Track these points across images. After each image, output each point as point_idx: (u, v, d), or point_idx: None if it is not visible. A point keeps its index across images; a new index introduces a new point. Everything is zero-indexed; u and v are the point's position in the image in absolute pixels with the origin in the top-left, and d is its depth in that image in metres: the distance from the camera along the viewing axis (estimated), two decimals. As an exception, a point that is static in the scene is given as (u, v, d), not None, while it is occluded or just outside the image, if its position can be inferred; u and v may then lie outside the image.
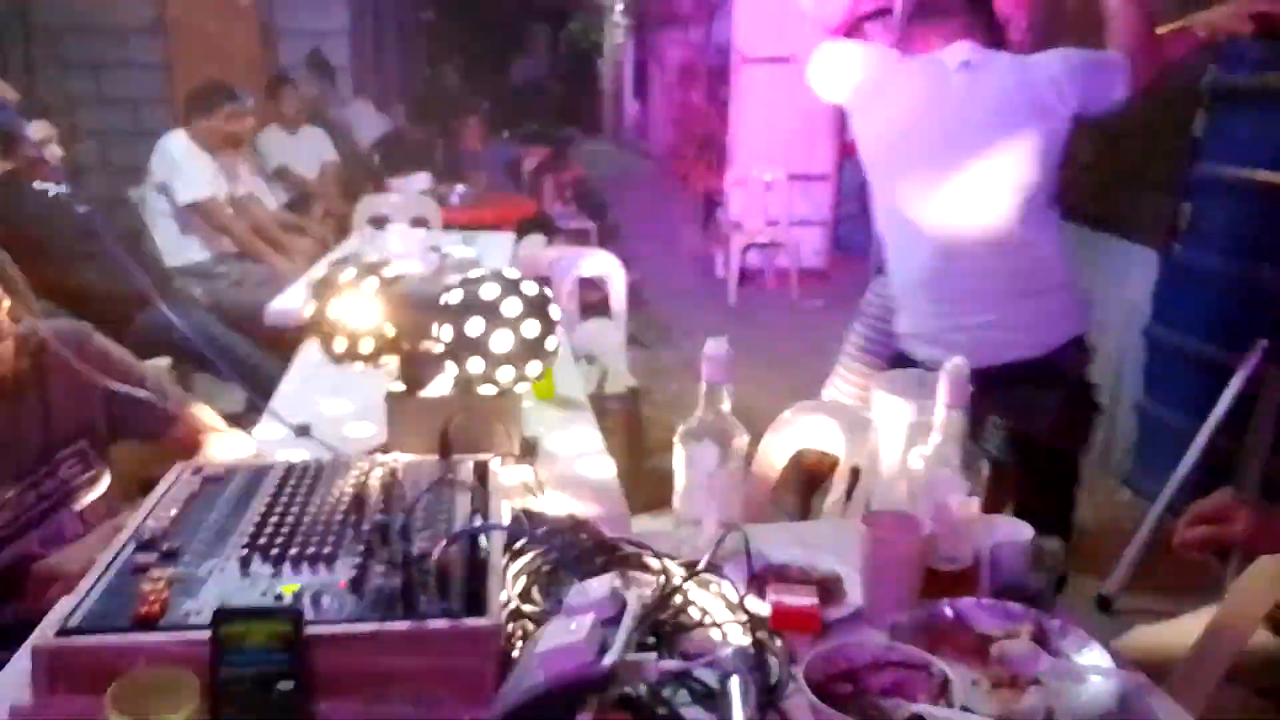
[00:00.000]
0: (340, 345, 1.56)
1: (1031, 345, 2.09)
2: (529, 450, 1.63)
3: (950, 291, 2.05)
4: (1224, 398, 2.58)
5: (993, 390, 2.08)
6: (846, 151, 6.67)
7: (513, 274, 1.54)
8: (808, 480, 2.29)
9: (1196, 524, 1.18)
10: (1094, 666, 1.04)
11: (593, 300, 3.68)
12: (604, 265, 3.50)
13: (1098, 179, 3.45)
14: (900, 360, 2.18)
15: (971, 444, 1.19)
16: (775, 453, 1.88)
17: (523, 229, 5.10)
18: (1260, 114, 2.85)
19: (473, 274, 1.55)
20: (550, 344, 1.52)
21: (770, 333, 5.45)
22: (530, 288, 1.51)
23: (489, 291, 1.49)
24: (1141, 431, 3.43)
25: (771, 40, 6.34)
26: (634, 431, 3.24)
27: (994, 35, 2.11)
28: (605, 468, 1.69)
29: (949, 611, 1.12)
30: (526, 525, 1.18)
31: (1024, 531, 1.20)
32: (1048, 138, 2.03)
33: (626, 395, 3.18)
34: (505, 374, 1.51)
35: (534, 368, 1.52)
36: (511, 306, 1.48)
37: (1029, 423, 2.17)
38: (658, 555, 1.19)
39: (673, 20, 10.97)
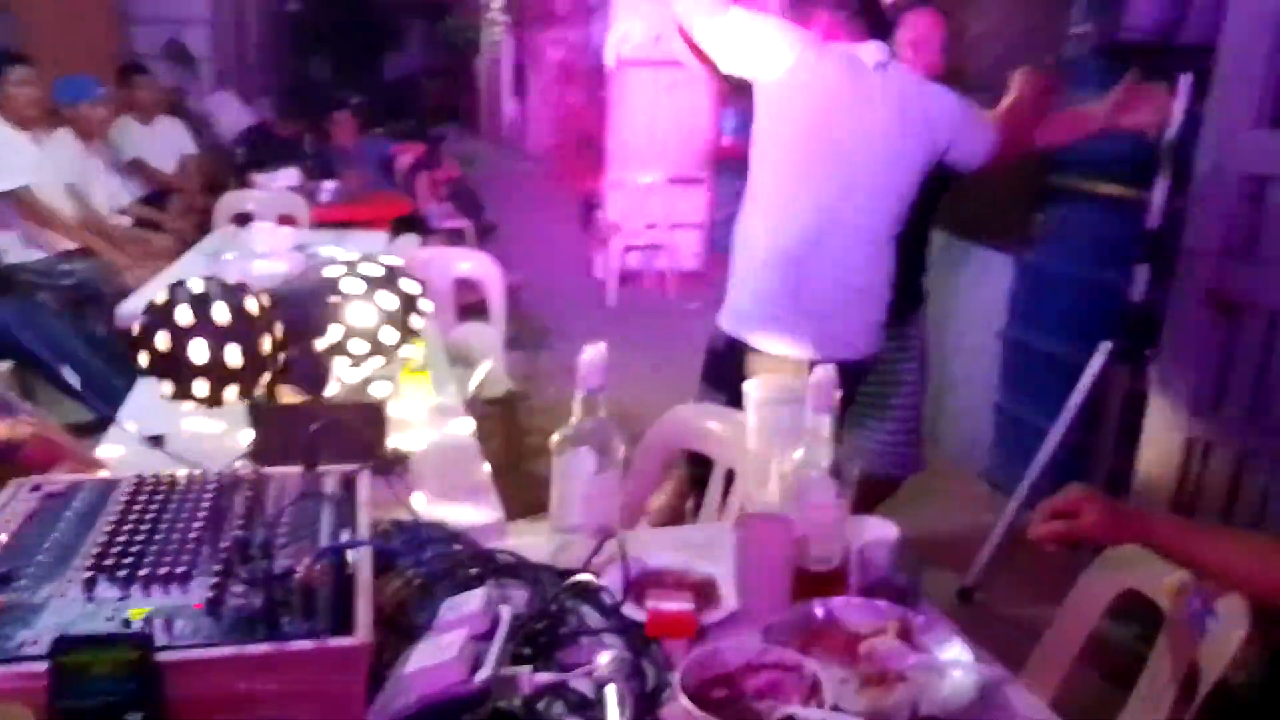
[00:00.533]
0: (203, 383, 1.42)
1: (860, 348, 2.15)
2: (401, 458, 1.58)
3: (810, 280, 2.06)
4: (1074, 396, 2.73)
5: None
6: (723, 155, 6.78)
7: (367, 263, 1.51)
8: (682, 483, 2.30)
9: (1048, 518, 1.23)
10: (955, 661, 1.08)
11: (469, 302, 3.61)
12: (481, 267, 3.45)
13: (960, 189, 3.61)
14: (727, 343, 2.15)
15: (839, 447, 1.22)
16: (654, 455, 1.89)
17: (396, 228, 4.99)
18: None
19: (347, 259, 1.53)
20: (414, 322, 1.50)
21: (649, 334, 5.49)
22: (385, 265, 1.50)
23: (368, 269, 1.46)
24: (999, 428, 3.60)
25: (650, 43, 6.39)
26: (512, 436, 3.20)
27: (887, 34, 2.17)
28: (481, 475, 1.66)
29: (820, 611, 1.14)
30: (397, 538, 1.15)
31: (890, 531, 1.24)
32: (926, 159, 2.10)
33: (504, 399, 3.14)
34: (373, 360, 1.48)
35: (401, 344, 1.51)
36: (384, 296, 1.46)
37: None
38: (533, 565, 1.18)
39: (551, 20, 10.92)
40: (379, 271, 1.65)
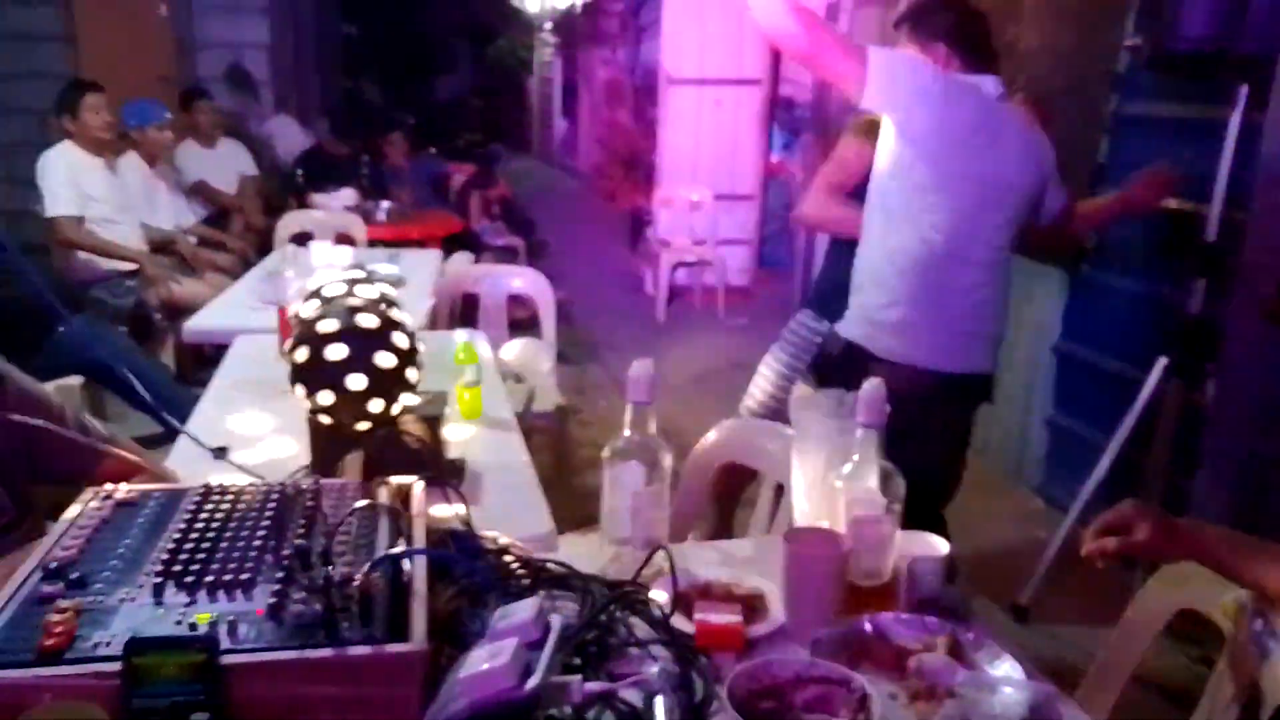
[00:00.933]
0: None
1: (985, 361, 2.20)
2: (455, 471, 1.62)
3: (942, 294, 2.11)
4: (1130, 412, 2.68)
5: (948, 397, 2.14)
6: (771, 172, 6.79)
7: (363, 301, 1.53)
8: (726, 493, 2.31)
9: (1102, 534, 1.22)
10: (1006, 678, 1.08)
11: (520, 318, 3.67)
12: (532, 283, 3.49)
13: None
14: (845, 350, 2.18)
15: (887, 461, 1.22)
16: (703, 469, 1.90)
17: (449, 246, 5.07)
18: (1157, 140, 2.99)
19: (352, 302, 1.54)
20: (410, 375, 1.51)
21: (698, 349, 5.51)
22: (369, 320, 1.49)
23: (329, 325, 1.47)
24: (1053, 443, 3.55)
25: (698, 62, 6.44)
26: (562, 449, 3.23)
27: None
28: (532, 488, 1.69)
29: (869, 626, 1.14)
30: (451, 548, 1.17)
31: (939, 547, 1.24)
32: (1035, 193, 2.17)
33: (554, 414, 3.17)
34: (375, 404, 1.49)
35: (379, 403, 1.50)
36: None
37: (950, 435, 2.26)
38: (583, 576, 1.19)
39: (601, 40, 11.05)
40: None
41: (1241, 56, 2.29)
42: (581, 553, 1.36)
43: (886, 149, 2.10)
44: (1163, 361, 2.62)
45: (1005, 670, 1.09)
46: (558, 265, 6.76)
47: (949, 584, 1.22)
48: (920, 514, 2.24)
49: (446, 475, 1.53)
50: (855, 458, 1.23)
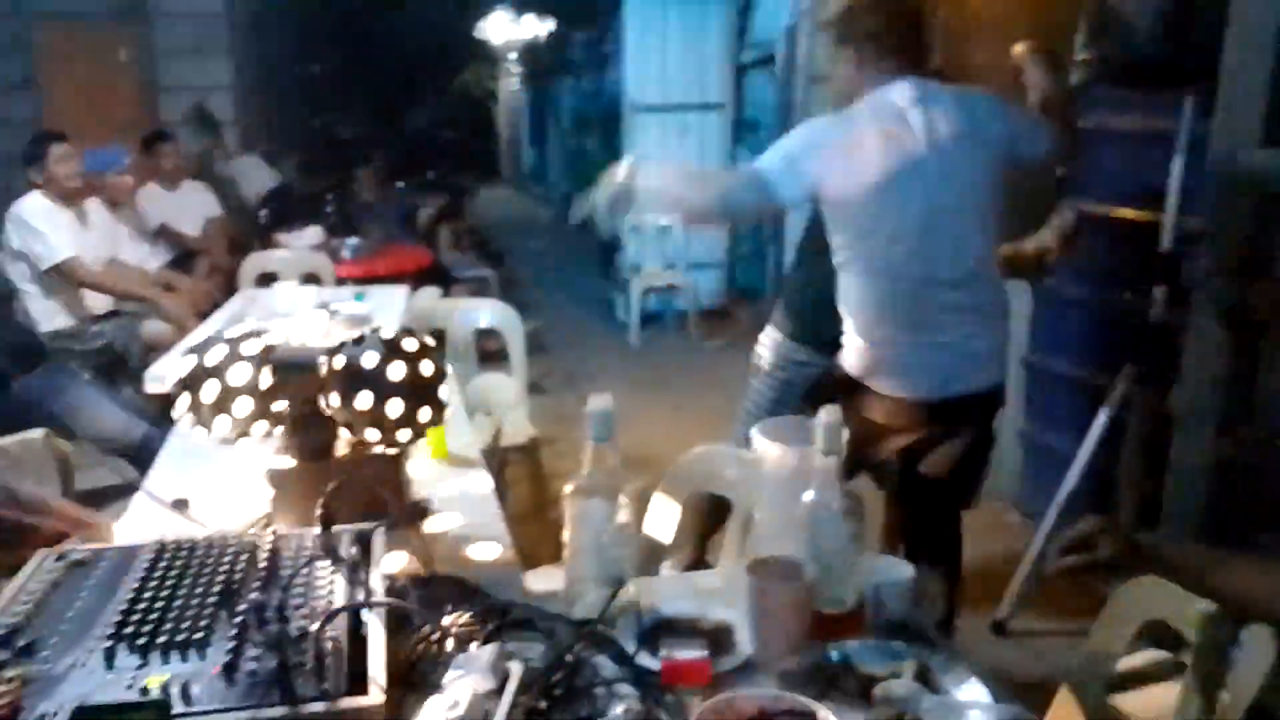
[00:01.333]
0: (218, 418, 1.48)
1: (985, 377, 2.14)
2: (419, 514, 1.60)
3: (923, 325, 2.06)
4: (1097, 421, 2.70)
5: (949, 419, 2.12)
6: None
7: (392, 333, 1.52)
8: (707, 524, 2.30)
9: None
10: (974, 702, 1.07)
11: (492, 349, 3.65)
12: (501, 316, 3.48)
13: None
14: (847, 378, 2.16)
15: (850, 488, 1.22)
16: (673, 497, 1.89)
17: (419, 280, 5.04)
18: (1119, 154, 3.03)
19: (355, 337, 1.52)
20: (442, 393, 1.50)
21: (672, 374, 5.51)
22: (411, 344, 1.49)
23: (370, 359, 1.45)
24: (1026, 455, 3.56)
25: (661, 89, 6.50)
26: (536, 483, 3.21)
27: (927, 66, 2.13)
28: (498, 528, 1.67)
29: (835, 655, 1.14)
30: (412, 595, 1.16)
31: (904, 570, 1.23)
32: (996, 167, 2.07)
33: (527, 446, 3.15)
34: (403, 435, 1.48)
35: (424, 413, 1.49)
36: (396, 371, 1.46)
37: (972, 454, 2.25)
38: (549, 616, 1.18)
39: (566, 69, 11.12)
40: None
41: (1188, 68, 2.34)
42: (552, 587, 1.34)
43: (826, 216, 2.10)
44: (1128, 370, 2.64)
45: (974, 693, 1.09)
46: (530, 294, 6.76)
47: (916, 606, 1.22)
48: (937, 520, 2.25)
49: (410, 519, 1.51)
50: (817, 485, 1.23)
